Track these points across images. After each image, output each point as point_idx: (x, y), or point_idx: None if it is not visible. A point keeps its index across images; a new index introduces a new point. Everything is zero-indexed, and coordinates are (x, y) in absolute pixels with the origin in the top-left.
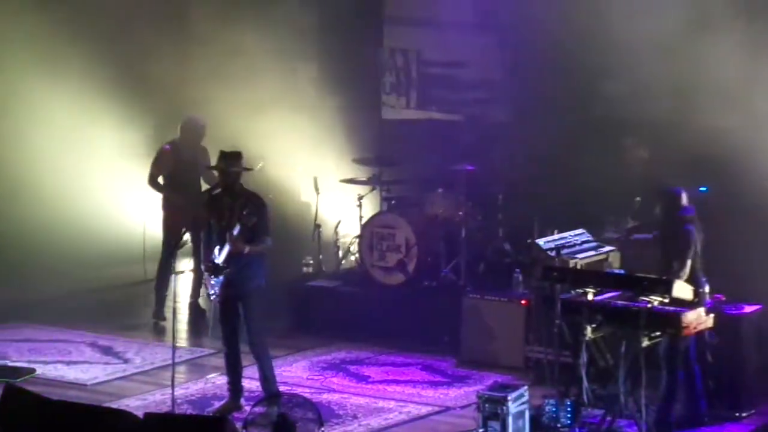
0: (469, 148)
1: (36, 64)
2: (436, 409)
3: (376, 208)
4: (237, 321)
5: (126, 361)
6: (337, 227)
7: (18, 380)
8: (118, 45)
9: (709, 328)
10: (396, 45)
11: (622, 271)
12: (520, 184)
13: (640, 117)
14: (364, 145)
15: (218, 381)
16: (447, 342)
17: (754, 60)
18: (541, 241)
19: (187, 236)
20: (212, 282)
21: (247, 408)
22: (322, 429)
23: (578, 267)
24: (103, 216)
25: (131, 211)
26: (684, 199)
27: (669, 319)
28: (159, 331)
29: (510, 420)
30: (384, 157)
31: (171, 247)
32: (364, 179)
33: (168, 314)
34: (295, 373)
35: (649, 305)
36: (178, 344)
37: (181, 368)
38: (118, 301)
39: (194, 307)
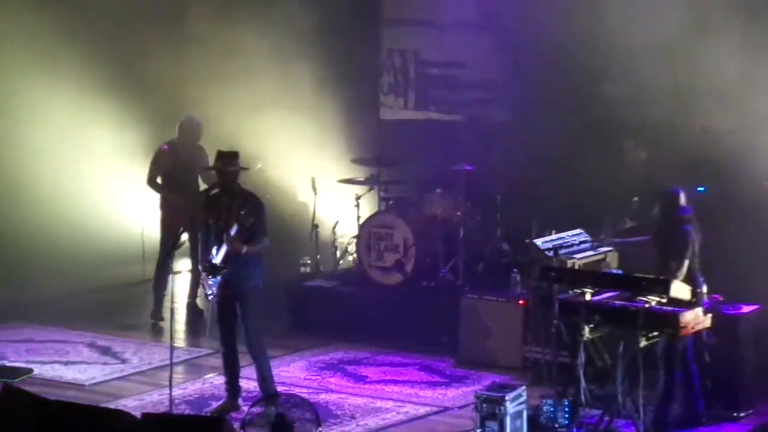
0: (468, 149)
1: (35, 63)
2: (434, 409)
3: (374, 209)
4: (234, 321)
5: (124, 361)
6: (334, 227)
7: (16, 380)
8: (116, 45)
9: (707, 328)
10: (394, 46)
11: (619, 272)
12: (519, 185)
13: (640, 119)
14: (362, 145)
15: (216, 381)
16: (445, 342)
17: (752, 61)
18: (539, 242)
19: (184, 236)
20: (210, 282)
21: (245, 408)
22: (320, 429)
23: (576, 267)
24: (102, 216)
25: (130, 211)
26: (682, 199)
27: (667, 319)
28: (157, 332)
29: (508, 420)
30: (382, 157)
31: (169, 247)
32: (362, 179)
33: (166, 314)
34: (292, 373)
35: (647, 305)
36: (175, 344)
37: (179, 368)
38: (117, 301)
39: (192, 307)
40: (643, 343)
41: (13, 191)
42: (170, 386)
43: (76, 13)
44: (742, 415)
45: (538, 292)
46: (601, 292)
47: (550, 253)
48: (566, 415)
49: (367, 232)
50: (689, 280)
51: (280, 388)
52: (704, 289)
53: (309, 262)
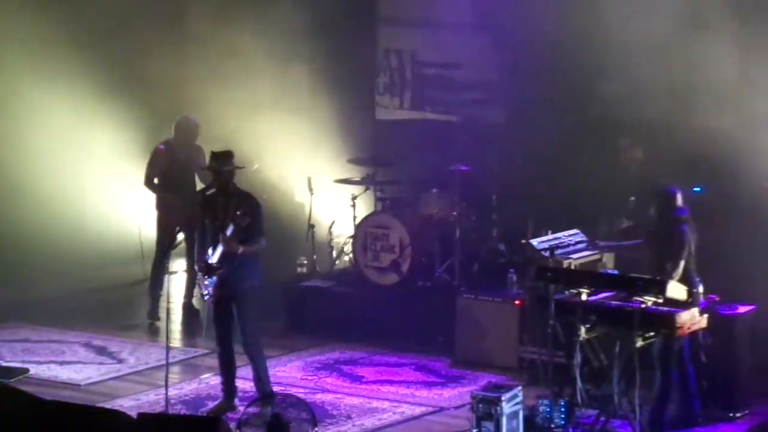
0: (464, 149)
1: (35, 64)
2: (430, 409)
3: (370, 209)
4: (231, 321)
5: (120, 361)
6: (331, 227)
7: (11, 380)
8: (116, 45)
9: (703, 329)
10: (390, 46)
11: (615, 272)
12: (515, 185)
13: (636, 118)
14: (358, 145)
15: (212, 381)
16: (441, 342)
17: (748, 60)
18: (535, 242)
19: (181, 236)
20: (206, 282)
21: (241, 408)
22: (316, 429)
23: (572, 267)
24: (101, 216)
25: (130, 211)
26: (679, 199)
27: (663, 320)
28: (153, 332)
29: (504, 420)
30: (378, 157)
31: (165, 247)
32: (358, 179)
33: (162, 314)
34: (289, 373)
35: (643, 305)
36: (171, 344)
37: (175, 368)
38: (117, 301)
39: (188, 307)
40: (639, 343)
41: (13, 191)
42: (166, 386)
43: (76, 14)
44: (738, 415)
45: (534, 292)
46: (598, 292)
47: (546, 254)
48: (562, 416)
49: (363, 232)
50: (685, 280)
51: (276, 388)
52: (700, 289)
53: (305, 262)
